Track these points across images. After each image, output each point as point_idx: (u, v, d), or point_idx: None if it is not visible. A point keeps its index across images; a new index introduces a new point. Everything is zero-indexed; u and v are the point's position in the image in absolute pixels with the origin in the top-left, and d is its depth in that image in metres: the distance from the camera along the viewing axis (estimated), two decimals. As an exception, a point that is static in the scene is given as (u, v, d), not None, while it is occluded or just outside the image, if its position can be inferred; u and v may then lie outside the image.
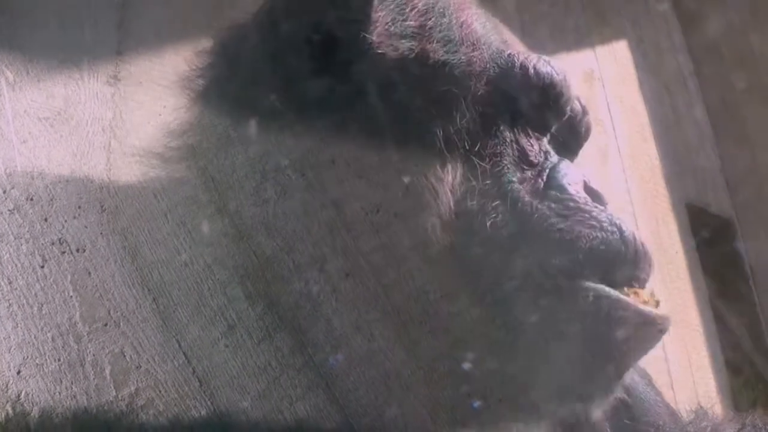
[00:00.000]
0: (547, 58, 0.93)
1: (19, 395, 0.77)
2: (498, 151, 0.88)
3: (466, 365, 0.87)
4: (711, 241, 2.07)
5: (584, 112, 0.99)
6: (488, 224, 0.85)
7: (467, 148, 0.86)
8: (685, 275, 1.95)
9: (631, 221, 1.86)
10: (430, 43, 0.87)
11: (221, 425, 0.82)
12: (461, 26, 0.90)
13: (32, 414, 0.77)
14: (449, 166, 0.85)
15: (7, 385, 0.77)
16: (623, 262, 0.87)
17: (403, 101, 0.86)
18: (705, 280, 1.99)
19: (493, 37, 0.93)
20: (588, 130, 1.01)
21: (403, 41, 0.86)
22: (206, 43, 0.92)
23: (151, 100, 0.91)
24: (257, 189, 0.85)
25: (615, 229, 0.87)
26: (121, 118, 0.88)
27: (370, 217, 0.85)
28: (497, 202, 0.86)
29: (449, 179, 0.85)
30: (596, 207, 0.89)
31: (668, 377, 1.68)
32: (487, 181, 0.86)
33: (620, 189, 1.83)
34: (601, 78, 1.88)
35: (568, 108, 0.95)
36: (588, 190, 0.91)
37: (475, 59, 0.89)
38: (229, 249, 0.85)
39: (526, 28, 1.69)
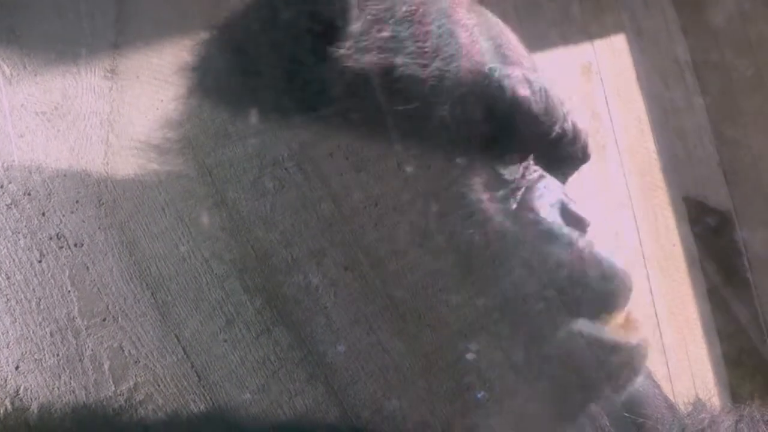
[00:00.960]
0: (535, 78, 0.89)
1: (17, 390, 0.77)
2: (467, 167, 0.87)
3: (467, 357, 0.87)
4: (709, 233, 2.07)
5: (577, 135, 0.95)
6: (462, 237, 0.85)
7: (448, 156, 0.86)
8: (683, 268, 1.95)
9: (629, 215, 1.86)
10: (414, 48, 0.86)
11: (220, 419, 0.82)
12: (452, 31, 0.88)
13: (31, 409, 0.77)
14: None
15: (5, 381, 0.77)
16: (594, 294, 0.87)
17: (389, 98, 0.85)
18: (703, 272, 2.00)
19: (485, 44, 0.90)
20: (584, 154, 0.98)
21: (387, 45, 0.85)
22: (203, 35, 0.92)
23: (148, 94, 0.91)
24: (255, 182, 0.85)
25: (584, 257, 0.86)
26: (119, 112, 0.88)
27: (368, 211, 0.85)
28: (468, 219, 0.85)
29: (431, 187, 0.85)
30: (568, 231, 0.87)
31: (666, 369, 1.68)
32: (456, 197, 0.86)
33: (618, 182, 1.83)
34: (599, 71, 1.88)
35: (556, 130, 0.92)
36: (566, 213, 0.90)
37: (460, 68, 0.86)
38: (227, 243, 0.84)
39: (524, 20, 1.69)
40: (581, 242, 0.87)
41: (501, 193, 0.88)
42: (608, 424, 0.94)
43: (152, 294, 0.82)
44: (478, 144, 0.87)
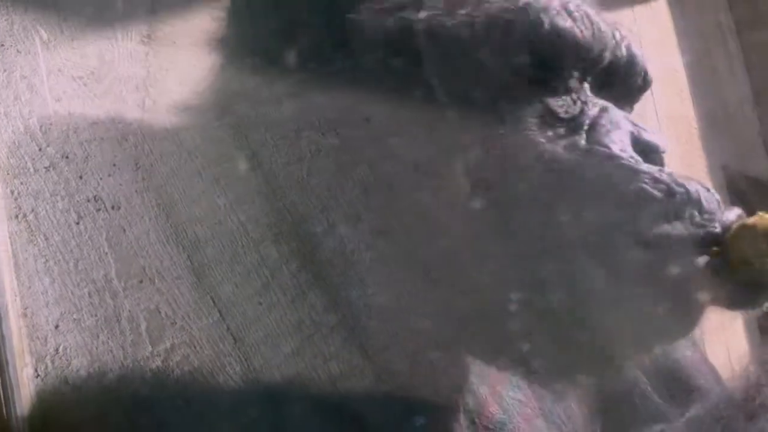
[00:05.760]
0: (576, 5, 0.85)
1: (57, 349, 0.78)
2: (520, 110, 0.83)
3: (498, 327, 0.87)
4: (747, 203, 2.04)
5: (633, 60, 0.89)
6: (521, 185, 0.83)
7: (494, 106, 0.82)
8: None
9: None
10: None
11: (256, 382, 0.82)
12: None
13: (71, 367, 0.78)
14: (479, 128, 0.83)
15: (46, 339, 0.78)
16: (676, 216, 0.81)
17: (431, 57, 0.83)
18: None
19: None
20: (644, 80, 0.92)
21: None
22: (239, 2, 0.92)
23: (185, 60, 0.91)
24: (291, 146, 0.84)
25: (663, 186, 0.80)
26: (155, 77, 0.88)
27: (404, 176, 0.85)
28: (528, 163, 0.82)
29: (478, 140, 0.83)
30: (644, 164, 0.82)
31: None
32: (513, 143, 0.82)
33: (657, 150, 1.81)
34: (639, 38, 1.85)
35: (607, 57, 0.86)
36: (639, 143, 0.85)
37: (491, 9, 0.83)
38: (263, 207, 0.85)
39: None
40: (664, 176, 0.82)
41: (561, 131, 0.83)
42: (650, 389, 0.93)
43: (188, 257, 0.83)
44: (525, 85, 0.83)
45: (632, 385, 0.94)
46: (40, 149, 0.81)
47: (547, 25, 0.82)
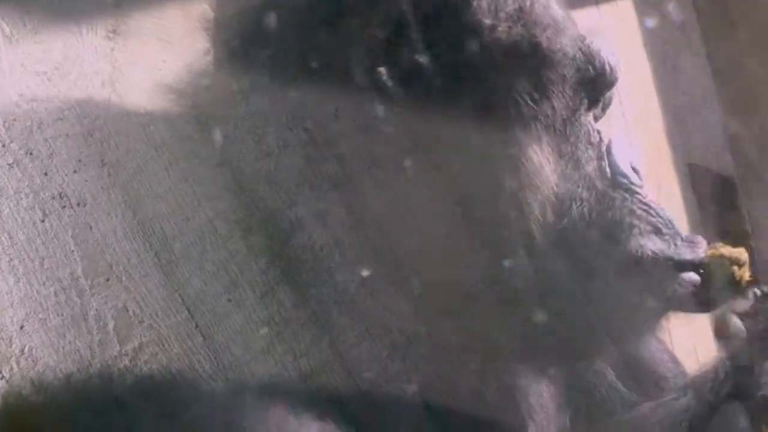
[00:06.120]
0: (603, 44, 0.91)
1: (23, 350, 0.77)
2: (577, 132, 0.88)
3: (470, 322, 0.87)
4: (713, 200, 2.06)
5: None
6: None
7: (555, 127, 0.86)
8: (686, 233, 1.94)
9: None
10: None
11: (225, 380, 0.82)
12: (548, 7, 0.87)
13: (37, 368, 0.77)
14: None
15: (11, 340, 0.77)
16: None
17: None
18: (707, 238, 1.99)
19: (567, 21, 0.89)
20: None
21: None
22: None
23: (151, 54, 0.90)
24: (259, 142, 0.84)
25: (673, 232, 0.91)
26: (121, 73, 0.87)
27: (372, 171, 0.84)
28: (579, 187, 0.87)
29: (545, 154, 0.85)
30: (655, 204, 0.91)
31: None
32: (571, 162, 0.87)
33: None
34: (604, 35, 1.86)
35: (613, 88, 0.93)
36: (635, 171, 0.92)
37: (562, 42, 0.86)
38: (231, 203, 0.84)
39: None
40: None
41: (592, 154, 0.89)
42: (615, 379, 0.94)
43: (156, 254, 0.82)
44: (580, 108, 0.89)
45: (599, 376, 0.95)
46: (3, 145, 0.80)
47: (602, 59, 0.88)
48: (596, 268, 0.88)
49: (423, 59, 0.81)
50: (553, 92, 0.84)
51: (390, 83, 0.81)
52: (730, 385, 0.92)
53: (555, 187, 0.85)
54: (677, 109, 2.04)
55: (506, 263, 0.84)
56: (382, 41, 0.81)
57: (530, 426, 0.88)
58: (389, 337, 0.85)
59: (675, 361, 1.05)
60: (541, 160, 0.84)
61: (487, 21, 0.82)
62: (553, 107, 0.85)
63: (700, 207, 2.01)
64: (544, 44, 0.84)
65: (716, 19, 2.17)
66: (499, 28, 0.83)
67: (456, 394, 0.86)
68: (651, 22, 1.99)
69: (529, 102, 0.83)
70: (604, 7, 1.92)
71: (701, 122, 2.12)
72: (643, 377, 0.99)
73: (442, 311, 0.86)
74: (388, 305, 0.85)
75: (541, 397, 0.90)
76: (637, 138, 1.86)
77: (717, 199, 2.09)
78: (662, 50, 2.06)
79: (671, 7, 2.11)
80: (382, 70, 0.80)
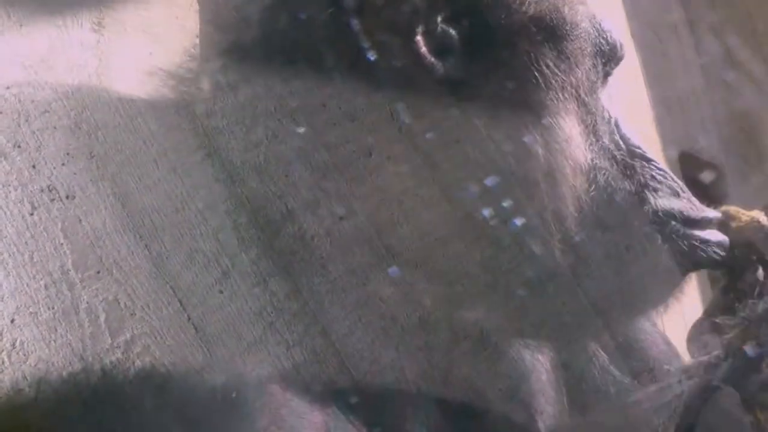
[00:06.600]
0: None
1: (14, 343, 0.76)
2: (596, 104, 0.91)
3: (463, 309, 0.87)
4: (701, 187, 2.07)
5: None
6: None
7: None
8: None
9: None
10: None
11: (218, 371, 0.81)
12: None
13: (28, 362, 0.76)
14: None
15: (1, 335, 0.76)
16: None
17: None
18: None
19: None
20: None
21: None
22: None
23: (137, 47, 0.90)
24: (248, 133, 0.84)
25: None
26: (108, 65, 0.87)
27: (363, 161, 0.84)
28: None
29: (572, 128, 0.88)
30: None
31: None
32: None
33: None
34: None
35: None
36: None
37: (581, 16, 0.90)
38: (221, 194, 0.84)
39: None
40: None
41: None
42: (608, 363, 0.95)
43: (146, 246, 0.82)
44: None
45: (593, 359, 0.95)
46: (-11, 139, 0.80)
47: (612, 35, 0.94)
48: (624, 235, 0.90)
49: (452, 33, 0.83)
50: (577, 63, 0.88)
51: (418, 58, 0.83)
52: (724, 369, 0.93)
53: (584, 155, 0.88)
54: (667, 97, 2.05)
55: (523, 239, 0.85)
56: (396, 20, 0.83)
57: (529, 410, 0.88)
58: (382, 326, 0.85)
59: (668, 343, 1.05)
60: (572, 129, 0.87)
61: None
62: (577, 78, 0.88)
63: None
64: (568, 17, 0.87)
65: (704, 7, 2.18)
66: (527, 1, 0.86)
67: (451, 382, 0.86)
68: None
69: (558, 72, 0.86)
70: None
71: (690, 109, 2.13)
72: (637, 360, 0.99)
73: (436, 298, 0.86)
74: (381, 294, 0.85)
75: (539, 381, 0.91)
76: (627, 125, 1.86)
77: (705, 186, 2.10)
78: (651, 40, 2.07)
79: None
80: (419, 39, 0.82)
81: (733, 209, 1.01)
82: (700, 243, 0.93)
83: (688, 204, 0.94)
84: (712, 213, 0.96)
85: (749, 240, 1.00)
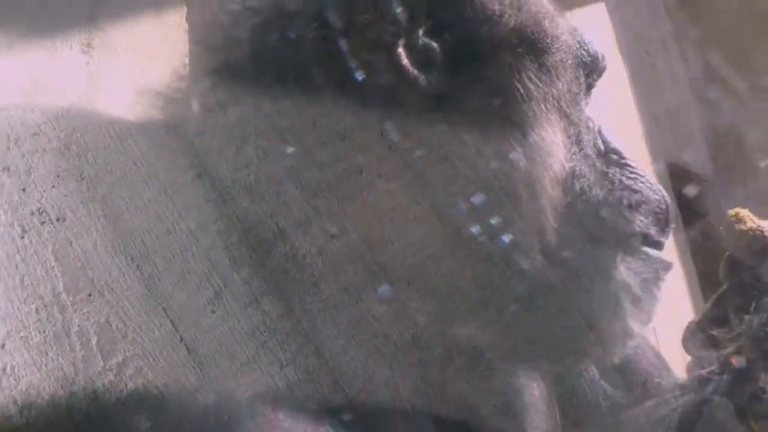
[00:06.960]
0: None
1: (4, 368, 0.76)
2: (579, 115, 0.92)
3: (455, 326, 0.87)
4: (691, 199, 2.08)
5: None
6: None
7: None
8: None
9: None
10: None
11: (211, 391, 0.81)
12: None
13: (19, 387, 0.76)
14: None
15: (-8, 359, 0.76)
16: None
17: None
18: (686, 237, 2.01)
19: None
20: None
21: None
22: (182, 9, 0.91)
23: (126, 67, 0.90)
24: (238, 152, 0.84)
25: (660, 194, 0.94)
26: (97, 86, 0.87)
27: (353, 179, 0.84)
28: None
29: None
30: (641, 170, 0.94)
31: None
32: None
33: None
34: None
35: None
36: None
37: (561, 29, 0.91)
38: (212, 214, 0.84)
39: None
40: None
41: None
42: (598, 377, 0.95)
43: (138, 267, 0.81)
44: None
45: (584, 374, 0.95)
46: (-21, 162, 0.79)
47: (593, 47, 0.95)
48: (599, 243, 0.90)
49: (434, 46, 0.84)
50: (558, 75, 0.88)
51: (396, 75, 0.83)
52: (721, 384, 0.93)
53: (564, 167, 0.88)
54: (655, 110, 2.06)
55: (513, 255, 0.85)
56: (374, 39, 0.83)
57: (522, 426, 0.88)
58: (375, 344, 0.84)
59: (659, 356, 1.05)
60: (553, 140, 0.87)
61: (496, 6, 0.86)
62: (559, 90, 0.88)
63: (678, 206, 2.03)
64: (549, 30, 0.88)
65: (691, 22, 2.20)
66: (507, 14, 0.86)
67: (445, 399, 0.86)
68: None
69: (540, 84, 0.86)
70: (576, 12, 1.93)
71: (679, 122, 2.14)
72: (628, 374, 1.00)
73: (429, 315, 0.86)
74: (374, 312, 0.85)
75: (532, 396, 0.91)
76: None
77: (695, 198, 2.11)
78: (639, 53, 2.08)
79: (644, 11, 2.13)
80: (401, 52, 0.82)
81: (743, 213, 1.01)
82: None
83: (654, 220, 0.94)
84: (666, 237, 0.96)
85: (747, 246, 1.00)
